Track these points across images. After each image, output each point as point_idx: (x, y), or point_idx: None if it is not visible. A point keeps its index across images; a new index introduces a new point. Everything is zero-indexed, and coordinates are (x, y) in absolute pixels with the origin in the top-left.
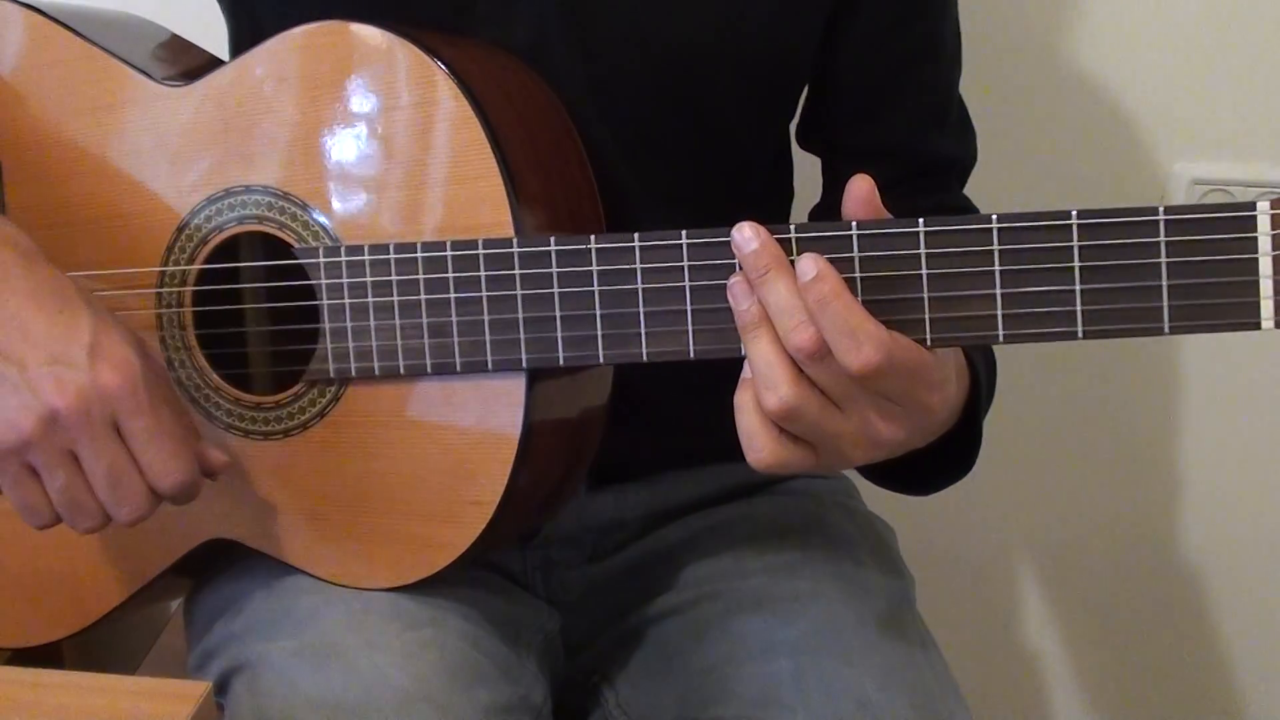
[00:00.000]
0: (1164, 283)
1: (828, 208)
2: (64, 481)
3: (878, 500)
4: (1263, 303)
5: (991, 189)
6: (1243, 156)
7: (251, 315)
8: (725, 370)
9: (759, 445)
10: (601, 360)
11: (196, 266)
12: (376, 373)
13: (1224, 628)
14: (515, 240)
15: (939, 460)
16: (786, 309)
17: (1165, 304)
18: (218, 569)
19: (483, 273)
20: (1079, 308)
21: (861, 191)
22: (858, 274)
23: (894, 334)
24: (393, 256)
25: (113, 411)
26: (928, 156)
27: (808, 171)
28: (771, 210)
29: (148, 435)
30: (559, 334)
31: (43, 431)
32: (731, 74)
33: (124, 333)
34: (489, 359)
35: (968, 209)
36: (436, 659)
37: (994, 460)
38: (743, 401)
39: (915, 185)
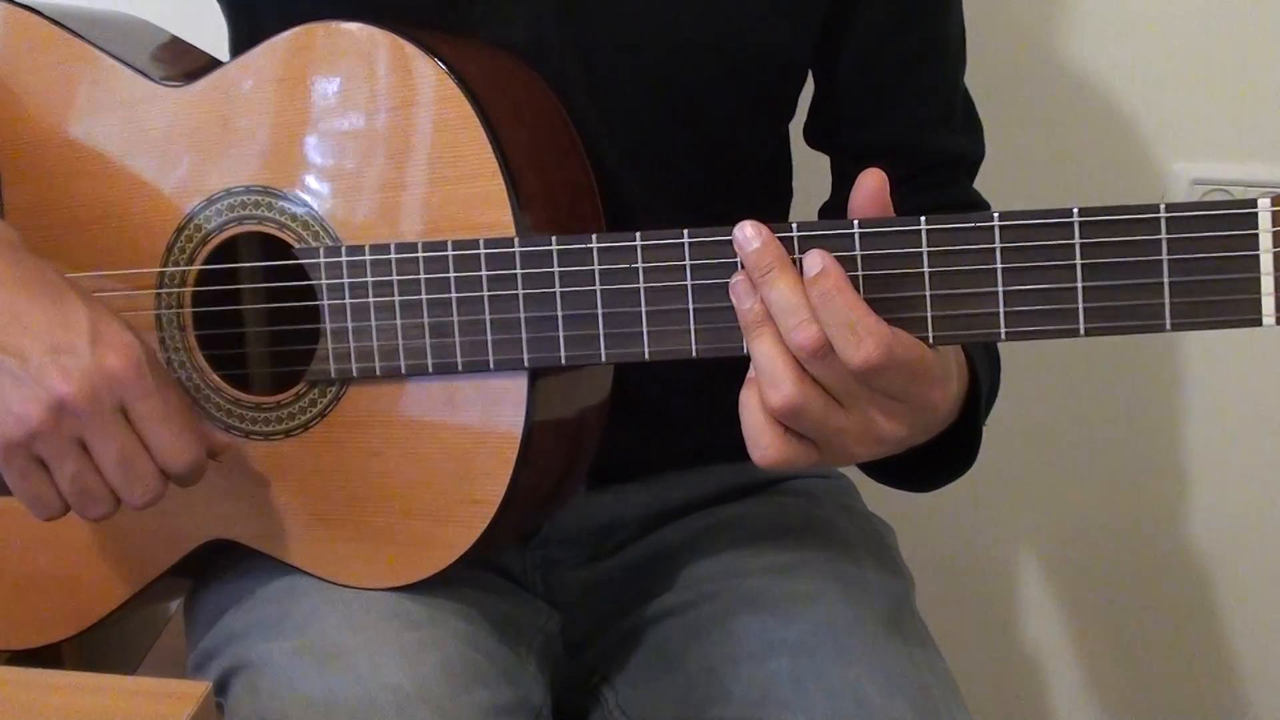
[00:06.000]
0: (1165, 280)
1: (837, 206)
2: (74, 469)
3: (878, 500)
4: (1263, 299)
5: (991, 188)
6: (1243, 156)
7: (251, 316)
8: (724, 371)
9: (764, 443)
10: (603, 359)
11: (196, 267)
12: (378, 373)
13: (1226, 627)
14: (516, 239)
15: (939, 457)
16: (789, 308)
17: (1167, 301)
18: (218, 569)
19: (484, 272)
20: (1080, 305)
21: (871, 186)
22: (860, 272)
23: (895, 330)
24: (393, 256)
25: (120, 396)
26: (935, 153)
27: (807, 172)
28: (770, 210)
29: (157, 417)
30: (560, 333)
31: (51, 421)
32: (728, 74)
33: (118, 317)
34: (490, 358)
35: (978, 203)
36: (436, 659)
37: (994, 459)
38: (747, 400)
39: (924, 181)
